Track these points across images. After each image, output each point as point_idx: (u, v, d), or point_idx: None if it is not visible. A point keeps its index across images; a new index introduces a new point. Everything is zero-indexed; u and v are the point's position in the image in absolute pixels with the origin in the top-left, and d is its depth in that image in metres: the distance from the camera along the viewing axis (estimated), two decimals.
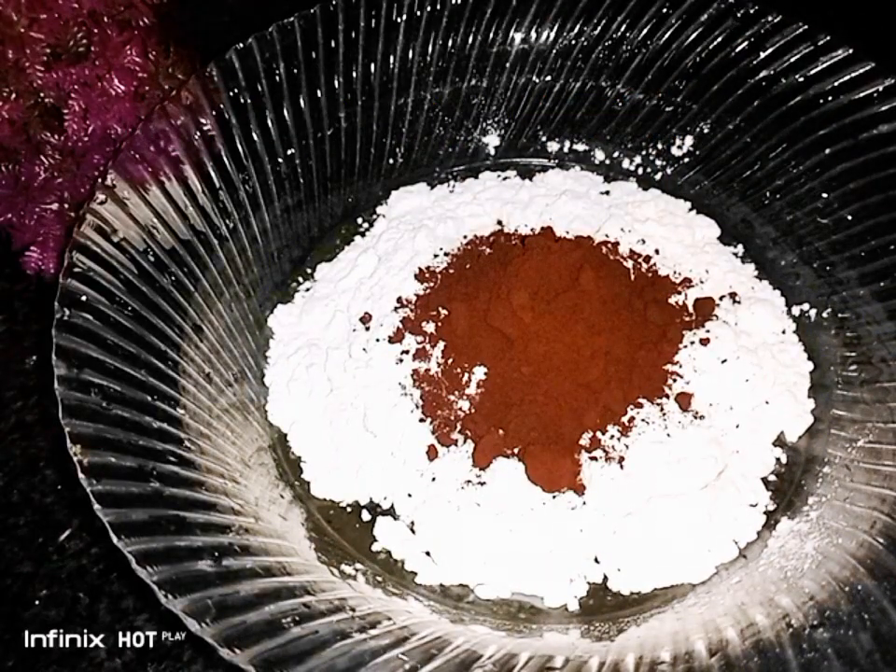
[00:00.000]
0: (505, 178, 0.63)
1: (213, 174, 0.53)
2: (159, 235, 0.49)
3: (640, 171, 0.62)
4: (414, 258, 0.56)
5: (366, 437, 0.49)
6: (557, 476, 0.46)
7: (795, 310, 0.54)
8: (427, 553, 0.45)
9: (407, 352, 0.51)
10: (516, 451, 0.47)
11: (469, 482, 0.47)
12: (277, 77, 0.56)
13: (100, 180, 0.48)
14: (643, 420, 0.48)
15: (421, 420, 0.49)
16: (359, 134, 0.60)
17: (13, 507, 0.51)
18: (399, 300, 0.54)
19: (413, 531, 0.46)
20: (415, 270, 0.55)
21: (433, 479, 0.47)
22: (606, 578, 0.45)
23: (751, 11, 0.57)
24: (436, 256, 0.56)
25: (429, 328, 0.52)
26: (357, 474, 0.48)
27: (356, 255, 0.58)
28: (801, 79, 0.55)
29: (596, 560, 0.45)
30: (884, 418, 0.47)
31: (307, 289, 0.57)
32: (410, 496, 0.47)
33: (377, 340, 0.52)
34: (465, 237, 0.57)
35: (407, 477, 0.48)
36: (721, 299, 0.54)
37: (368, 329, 0.53)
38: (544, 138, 0.64)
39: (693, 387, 0.50)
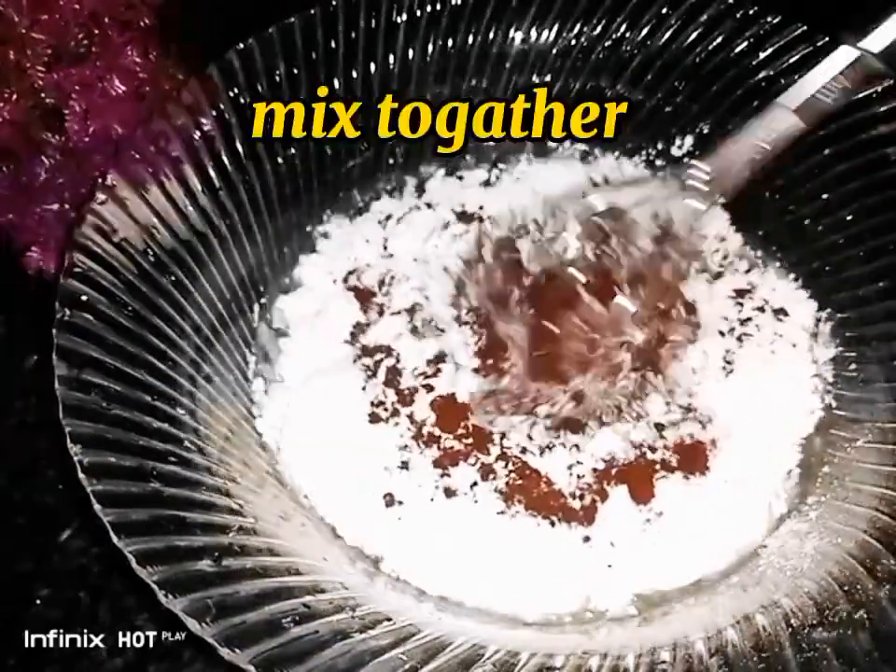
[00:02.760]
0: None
1: (213, 174, 0.53)
2: (159, 235, 0.49)
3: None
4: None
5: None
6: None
7: (795, 310, 0.54)
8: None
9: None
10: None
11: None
12: (277, 77, 0.56)
13: (100, 180, 0.48)
14: None
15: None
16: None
17: (14, 506, 0.51)
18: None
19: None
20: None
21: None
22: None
23: (751, 12, 0.57)
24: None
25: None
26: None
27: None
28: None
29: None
30: (884, 418, 0.47)
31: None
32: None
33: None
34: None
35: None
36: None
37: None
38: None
39: (696, 388, 0.50)
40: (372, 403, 0.50)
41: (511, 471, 0.48)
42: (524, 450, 0.48)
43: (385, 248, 0.57)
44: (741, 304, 0.54)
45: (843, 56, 0.41)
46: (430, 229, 0.57)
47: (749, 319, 0.53)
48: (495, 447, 0.48)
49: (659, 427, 0.49)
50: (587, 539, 0.46)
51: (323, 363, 0.52)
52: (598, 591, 0.45)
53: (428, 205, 0.60)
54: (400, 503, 0.47)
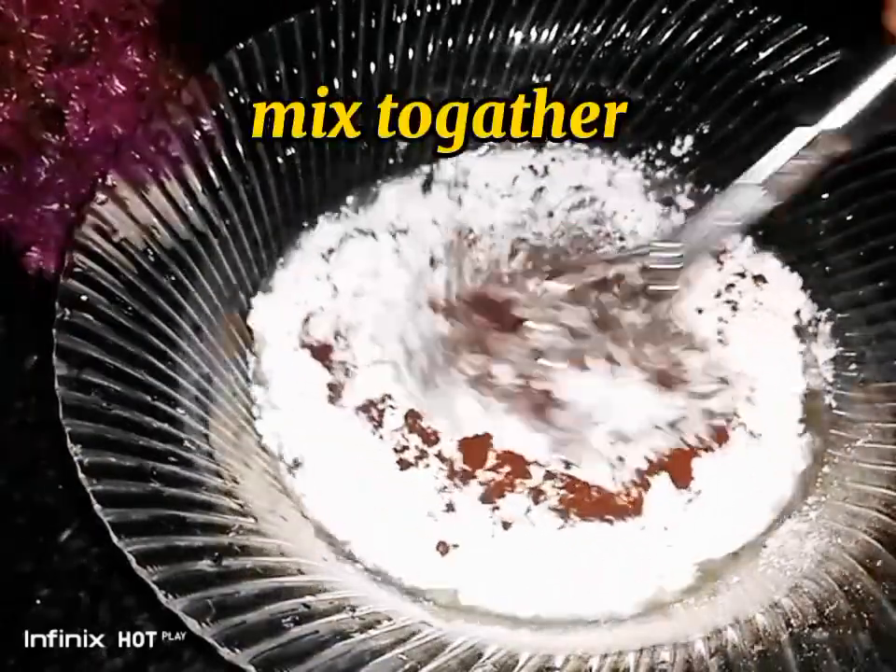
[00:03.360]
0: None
1: (213, 174, 0.53)
2: (159, 235, 0.49)
3: (640, 171, 0.62)
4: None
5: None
6: None
7: (795, 310, 0.55)
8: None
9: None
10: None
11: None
12: (277, 77, 0.56)
13: (100, 180, 0.48)
14: None
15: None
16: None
17: (14, 506, 0.51)
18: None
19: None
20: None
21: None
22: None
23: (751, 12, 0.57)
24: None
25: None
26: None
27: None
28: (801, 80, 0.55)
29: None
30: (884, 418, 0.47)
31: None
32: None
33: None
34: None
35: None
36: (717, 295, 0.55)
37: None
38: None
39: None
40: (396, 450, 0.49)
41: (561, 487, 0.47)
42: (567, 464, 0.48)
43: (336, 289, 0.55)
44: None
45: (801, 136, 0.42)
46: (376, 257, 0.56)
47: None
48: (539, 468, 0.48)
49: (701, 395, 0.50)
50: (642, 528, 0.46)
51: (316, 426, 0.50)
52: (663, 573, 0.45)
53: (363, 231, 0.58)
54: (456, 546, 0.46)
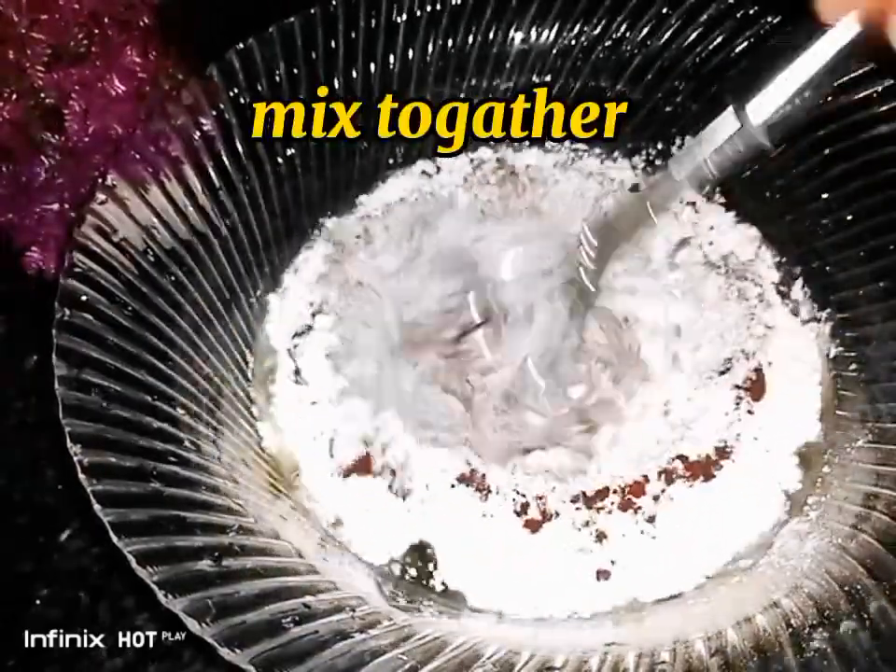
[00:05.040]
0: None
1: (213, 174, 0.53)
2: (159, 235, 0.49)
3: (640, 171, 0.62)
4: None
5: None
6: None
7: (795, 310, 0.55)
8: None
9: None
10: None
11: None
12: (277, 77, 0.56)
13: (100, 180, 0.48)
14: None
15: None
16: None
17: (14, 506, 0.51)
18: None
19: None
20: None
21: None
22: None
23: (751, 12, 0.57)
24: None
25: None
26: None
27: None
28: None
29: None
30: (884, 418, 0.47)
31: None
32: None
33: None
34: None
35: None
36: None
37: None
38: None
39: None
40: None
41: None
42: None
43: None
44: None
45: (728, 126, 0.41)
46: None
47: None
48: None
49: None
50: (642, 531, 0.46)
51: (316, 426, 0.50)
52: (665, 573, 0.45)
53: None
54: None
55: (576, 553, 0.45)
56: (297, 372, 0.52)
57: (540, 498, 0.46)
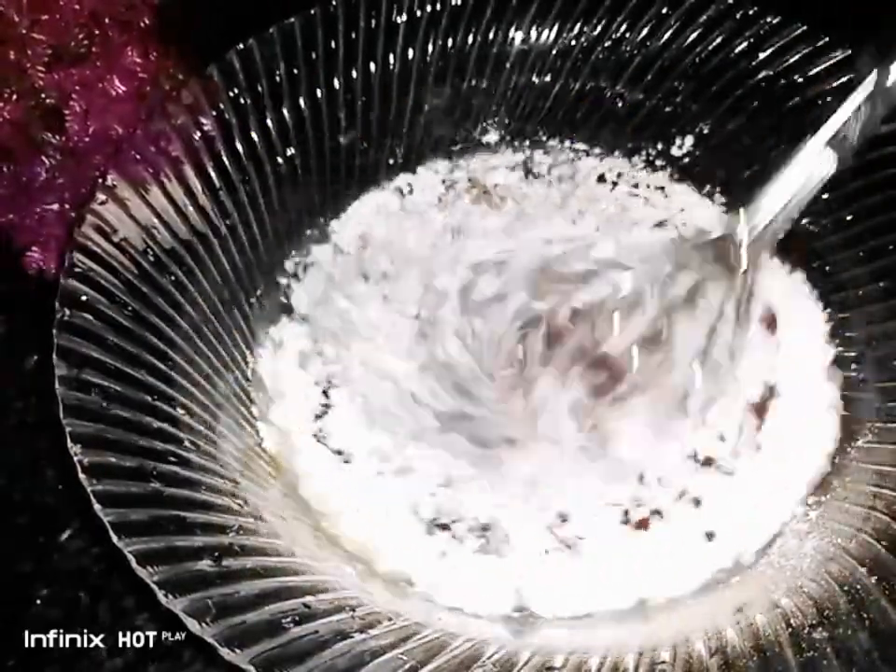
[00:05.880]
0: None
1: (213, 174, 0.53)
2: (159, 235, 0.49)
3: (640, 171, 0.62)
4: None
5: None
6: None
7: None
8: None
9: None
10: None
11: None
12: (277, 78, 0.56)
13: (100, 180, 0.48)
14: None
15: None
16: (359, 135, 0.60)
17: (14, 506, 0.51)
18: None
19: None
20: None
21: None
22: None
23: (751, 12, 0.57)
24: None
25: None
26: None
27: None
28: (801, 80, 0.55)
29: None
30: (884, 418, 0.47)
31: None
32: None
33: None
34: None
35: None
36: None
37: None
38: (544, 138, 0.64)
39: None
40: None
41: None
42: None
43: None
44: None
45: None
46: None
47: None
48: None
49: None
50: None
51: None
52: (667, 574, 0.45)
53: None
54: None
55: (574, 554, 0.45)
56: (339, 453, 0.50)
57: None
